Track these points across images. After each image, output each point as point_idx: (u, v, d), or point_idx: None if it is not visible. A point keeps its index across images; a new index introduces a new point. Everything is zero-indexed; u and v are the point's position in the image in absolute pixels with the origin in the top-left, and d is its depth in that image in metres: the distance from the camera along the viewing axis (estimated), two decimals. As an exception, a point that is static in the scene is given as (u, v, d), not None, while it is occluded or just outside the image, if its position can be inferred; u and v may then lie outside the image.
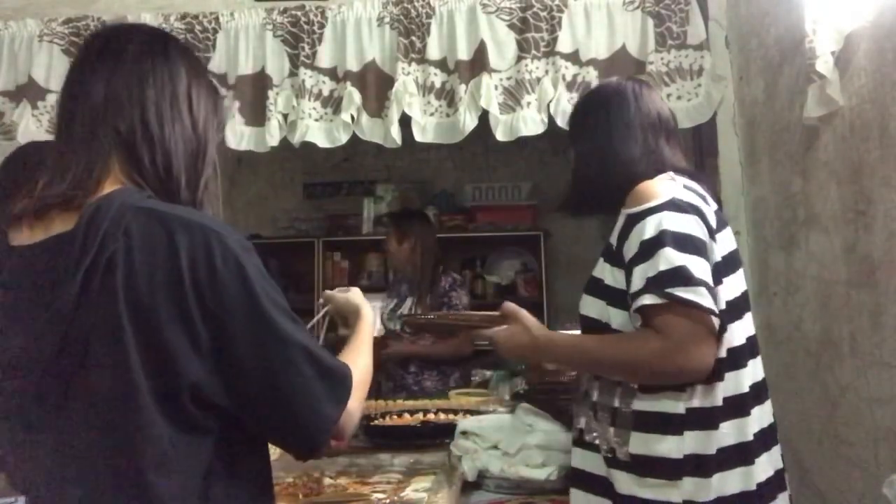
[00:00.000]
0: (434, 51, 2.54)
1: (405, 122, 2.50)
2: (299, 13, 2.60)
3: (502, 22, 2.53)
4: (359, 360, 1.11)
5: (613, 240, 1.32)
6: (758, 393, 1.30)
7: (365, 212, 4.51)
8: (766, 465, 1.30)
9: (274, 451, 1.78)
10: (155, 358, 0.86)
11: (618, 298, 1.30)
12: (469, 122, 2.44)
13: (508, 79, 2.52)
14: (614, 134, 1.37)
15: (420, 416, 2.37)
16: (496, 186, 4.79)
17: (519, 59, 2.51)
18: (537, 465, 1.72)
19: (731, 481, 1.24)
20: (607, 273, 1.32)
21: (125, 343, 0.85)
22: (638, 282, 1.22)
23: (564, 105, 2.47)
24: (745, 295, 1.32)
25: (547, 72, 2.50)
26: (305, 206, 4.81)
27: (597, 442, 1.31)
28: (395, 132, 2.48)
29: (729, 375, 1.26)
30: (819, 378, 2.10)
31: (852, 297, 1.91)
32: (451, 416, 2.31)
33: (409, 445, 2.08)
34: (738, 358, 1.27)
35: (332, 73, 2.57)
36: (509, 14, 2.54)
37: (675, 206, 1.23)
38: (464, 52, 2.52)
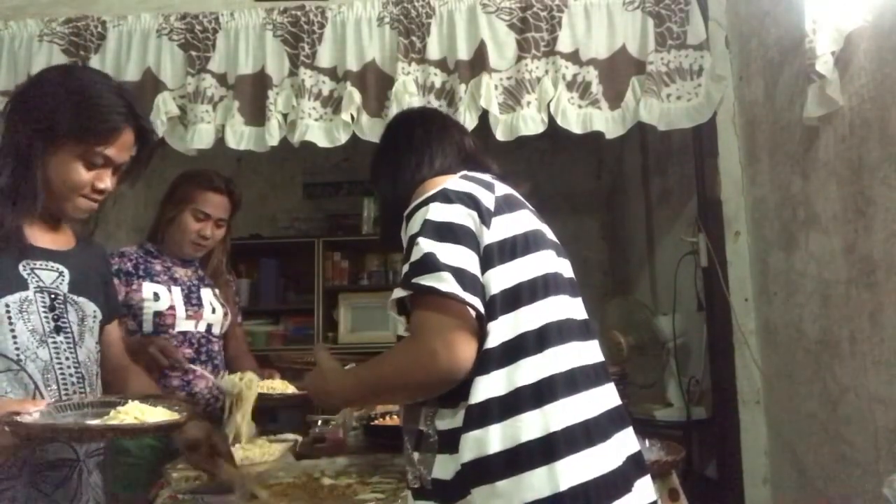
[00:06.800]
0: (434, 51, 2.54)
1: (405, 121, 2.50)
2: (299, 13, 2.60)
3: (502, 22, 2.54)
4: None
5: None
6: (551, 388, 1.09)
7: (365, 212, 4.49)
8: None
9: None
10: None
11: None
12: (469, 121, 2.44)
13: (508, 78, 2.52)
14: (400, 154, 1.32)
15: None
16: (496, 186, 4.77)
17: (519, 58, 2.51)
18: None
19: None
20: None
21: None
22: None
23: (564, 105, 2.47)
24: (532, 282, 1.14)
25: (547, 71, 2.50)
26: (305, 206, 4.80)
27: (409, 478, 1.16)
28: (396, 132, 2.48)
29: (503, 369, 1.09)
30: (819, 378, 2.10)
31: (852, 297, 1.91)
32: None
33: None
34: (517, 350, 1.10)
35: (331, 73, 2.57)
36: (509, 14, 2.54)
37: (444, 196, 1.15)
38: (464, 52, 2.52)
